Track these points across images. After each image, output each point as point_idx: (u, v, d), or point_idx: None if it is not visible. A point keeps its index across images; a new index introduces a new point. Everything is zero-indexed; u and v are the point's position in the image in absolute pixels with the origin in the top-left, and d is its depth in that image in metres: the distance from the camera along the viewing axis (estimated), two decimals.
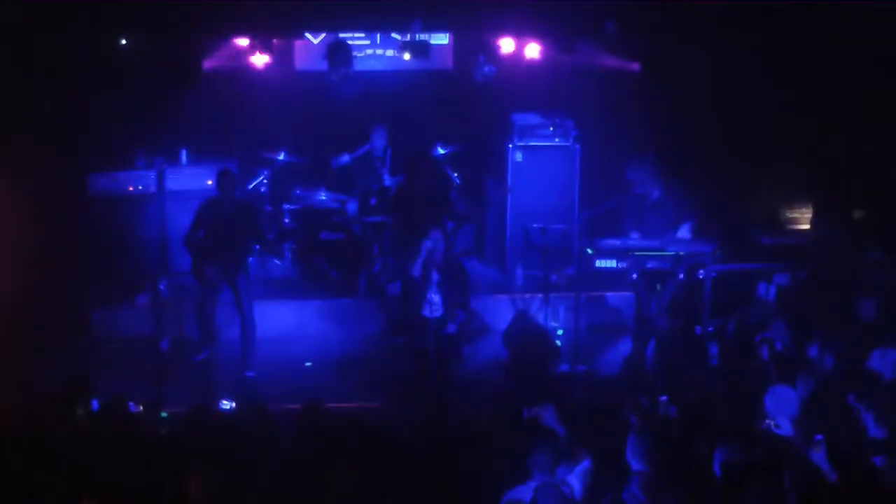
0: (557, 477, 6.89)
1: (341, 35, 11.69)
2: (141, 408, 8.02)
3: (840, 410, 7.87)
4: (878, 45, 11.06)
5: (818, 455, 7.02)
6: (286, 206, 12.46)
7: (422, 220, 10.16)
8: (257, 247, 10.96)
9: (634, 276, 10.40)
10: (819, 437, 7.07)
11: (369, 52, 12.78)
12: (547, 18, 10.91)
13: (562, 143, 12.38)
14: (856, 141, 11.33)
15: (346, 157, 12.33)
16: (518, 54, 11.99)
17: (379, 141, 12.48)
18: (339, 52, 11.24)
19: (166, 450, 7.61)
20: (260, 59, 11.62)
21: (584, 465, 7.04)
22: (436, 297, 9.21)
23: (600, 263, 10.59)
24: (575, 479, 6.94)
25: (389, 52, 12.75)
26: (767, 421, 7.59)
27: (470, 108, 12.80)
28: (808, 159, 11.96)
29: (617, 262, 10.52)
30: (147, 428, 7.98)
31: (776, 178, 12.17)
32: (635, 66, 11.95)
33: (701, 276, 10.33)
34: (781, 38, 11.20)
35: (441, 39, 12.61)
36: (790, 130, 11.89)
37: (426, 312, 9.39)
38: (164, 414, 8.83)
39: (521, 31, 11.47)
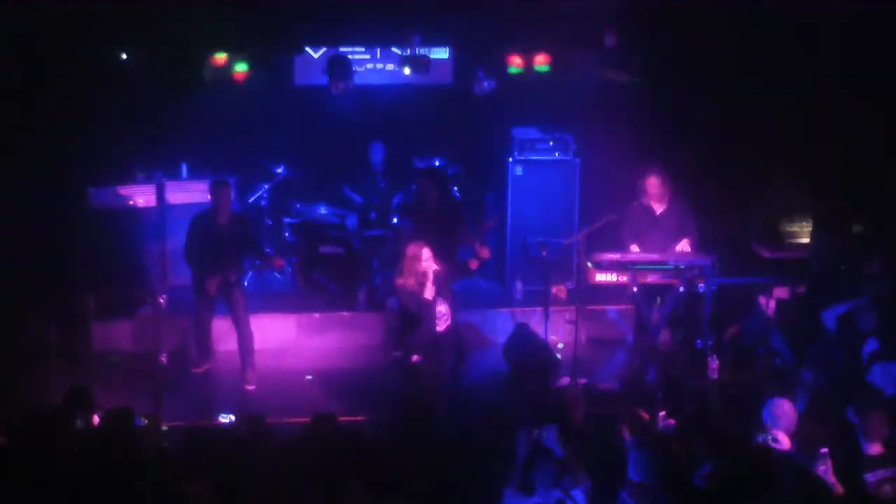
0: (561, 491, 6.89)
1: (341, 49, 11.72)
2: (146, 421, 8.00)
3: (839, 424, 7.87)
4: (879, 53, 11.08)
5: (823, 468, 7.01)
6: (286, 220, 12.48)
7: (430, 233, 10.17)
8: (257, 261, 10.95)
9: (634, 289, 10.41)
10: (824, 450, 7.06)
11: (369, 66, 12.79)
12: (546, 31, 10.93)
13: (562, 158, 12.40)
14: (854, 152, 11.35)
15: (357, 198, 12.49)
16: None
17: (376, 156, 12.60)
18: (338, 67, 11.25)
19: (166, 462, 7.62)
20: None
21: (587, 484, 7.05)
22: (443, 308, 9.19)
23: (600, 277, 10.59)
24: (579, 494, 6.94)
25: (389, 67, 12.77)
26: (764, 435, 7.58)
27: (470, 122, 12.82)
28: (806, 172, 11.97)
29: (617, 276, 10.52)
30: (150, 441, 7.96)
31: (775, 191, 12.18)
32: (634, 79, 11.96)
33: (701, 290, 10.34)
34: (780, 50, 11.23)
35: (441, 54, 12.64)
36: (789, 142, 11.91)
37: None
38: (164, 428, 8.81)
39: (521, 45, 11.49)
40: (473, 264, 9.69)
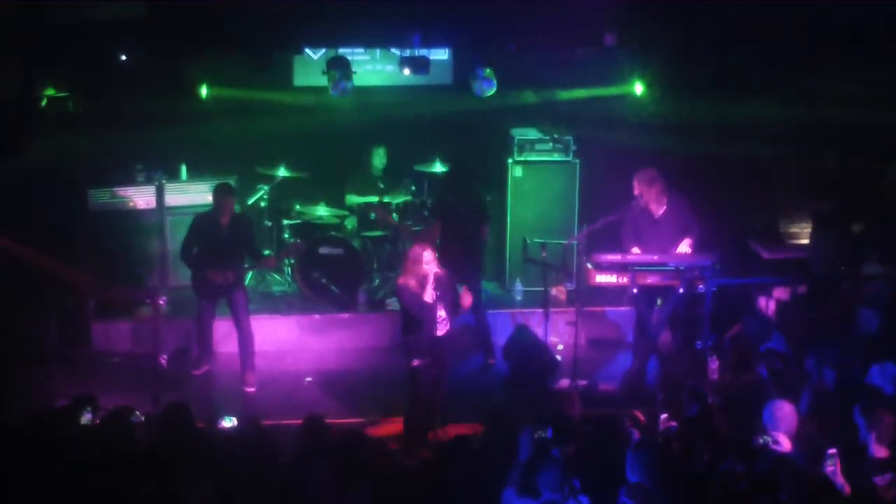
0: (566, 494, 6.89)
1: (340, 50, 11.71)
2: (143, 419, 8.00)
3: (840, 425, 7.85)
4: (877, 52, 11.07)
5: (831, 468, 6.98)
6: (286, 222, 12.47)
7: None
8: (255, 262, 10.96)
9: (634, 290, 10.39)
10: (832, 450, 7.04)
11: (369, 67, 12.79)
12: (546, 31, 10.93)
13: (562, 159, 12.40)
14: (854, 152, 11.35)
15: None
16: None
17: (378, 160, 12.59)
18: (338, 68, 11.25)
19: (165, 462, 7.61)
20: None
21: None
22: (442, 313, 9.16)
23: (600, 278, 10.55)
24: (585, 498, 6.94)
25: (389, 68, 12.77)
26: (764, 437, 7.56)
27: (469, 123, 12.81)
28: (806, 172, 11.98)
29: (616, 277, 10.49)
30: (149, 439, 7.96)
31: (775, 192, 12.19)
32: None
33: (701, 291, 10.33)
34: (778, 50, 11.23)
35: (440, 54, 12.64)
36: (789, 143, 11.91)
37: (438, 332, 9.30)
38: None
39: (521, 45, 11.49)
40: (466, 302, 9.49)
